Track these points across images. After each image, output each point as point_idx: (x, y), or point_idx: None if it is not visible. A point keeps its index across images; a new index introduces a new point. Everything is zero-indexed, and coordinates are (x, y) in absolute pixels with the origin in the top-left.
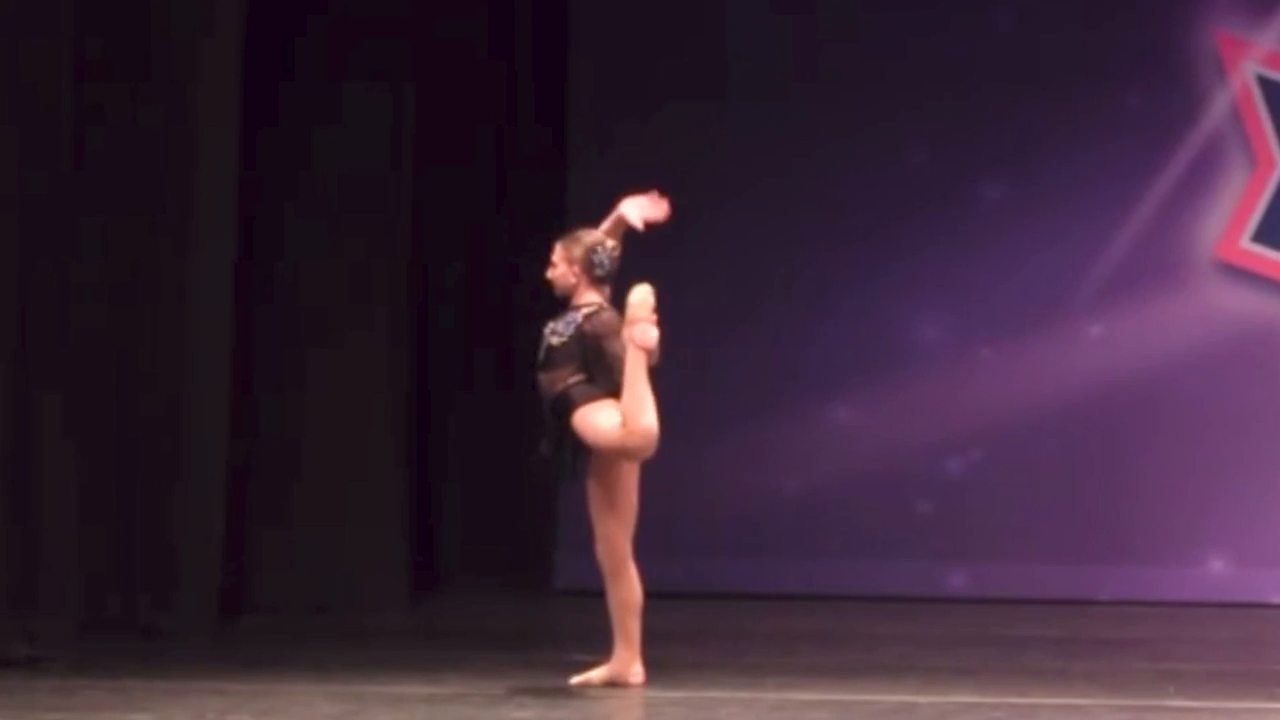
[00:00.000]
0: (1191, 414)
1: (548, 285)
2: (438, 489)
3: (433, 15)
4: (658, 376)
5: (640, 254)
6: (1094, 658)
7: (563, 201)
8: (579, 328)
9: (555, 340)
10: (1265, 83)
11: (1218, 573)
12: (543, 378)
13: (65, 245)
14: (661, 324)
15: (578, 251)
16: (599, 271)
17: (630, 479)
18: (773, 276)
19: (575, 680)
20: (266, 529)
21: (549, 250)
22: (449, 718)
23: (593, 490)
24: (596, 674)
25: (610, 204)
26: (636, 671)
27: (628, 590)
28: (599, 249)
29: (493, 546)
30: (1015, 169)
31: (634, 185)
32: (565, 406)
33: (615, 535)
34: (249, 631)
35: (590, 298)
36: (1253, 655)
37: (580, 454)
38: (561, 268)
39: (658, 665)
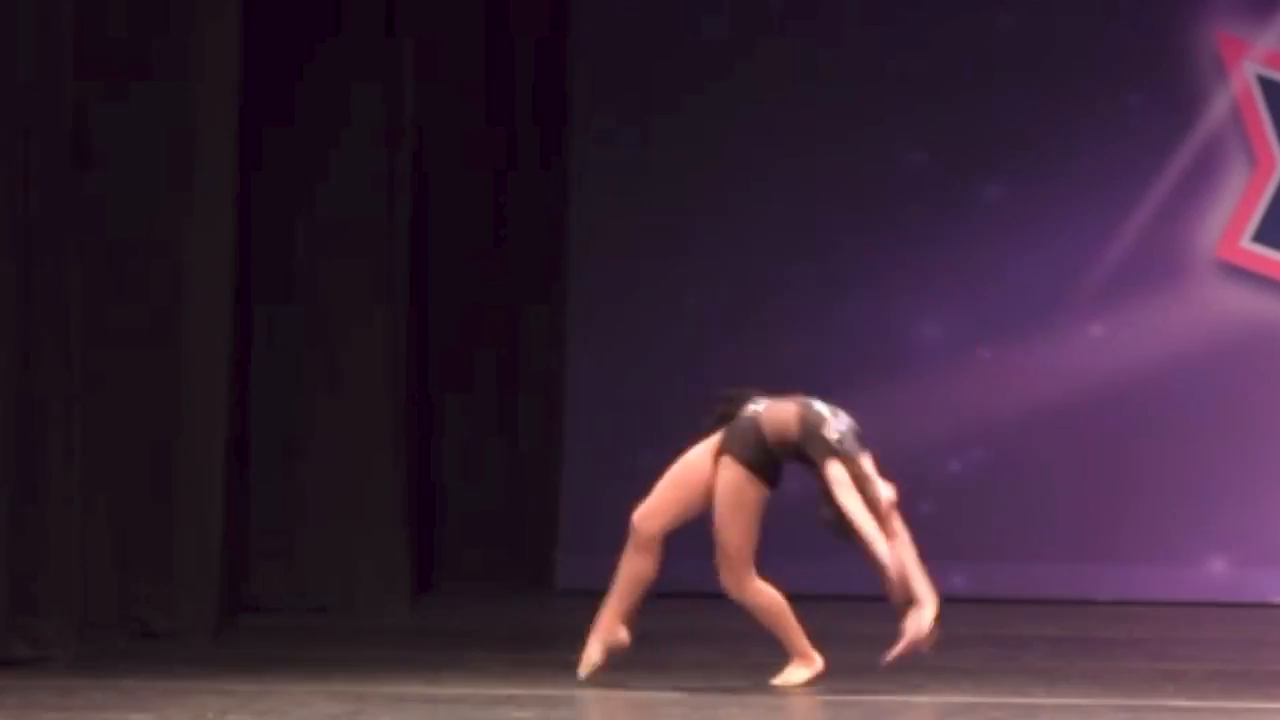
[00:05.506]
0: (1192, 414)
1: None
2: (438, 489)
3: (433, 15)
4: (658, 378)
5: (641, 255)
6: (1094, 657)
7: (563, 202)
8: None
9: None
10: (1265, 83)
11: (1218, 573)
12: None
13: (65, 245)
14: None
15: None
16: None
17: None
18: (772, 276)
19: (776, 682)
20: (266, 529)
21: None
22: (449, 718)
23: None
24: (794, 676)
25: (610, 205)
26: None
27: (769, 602)
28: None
29: (493, 547)
30: (1015, 169)
31: (634, 186)
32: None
33: (739, 563)
34: (249, 631)
35: None
36: (1253, 655)
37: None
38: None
39: (658, 665)
